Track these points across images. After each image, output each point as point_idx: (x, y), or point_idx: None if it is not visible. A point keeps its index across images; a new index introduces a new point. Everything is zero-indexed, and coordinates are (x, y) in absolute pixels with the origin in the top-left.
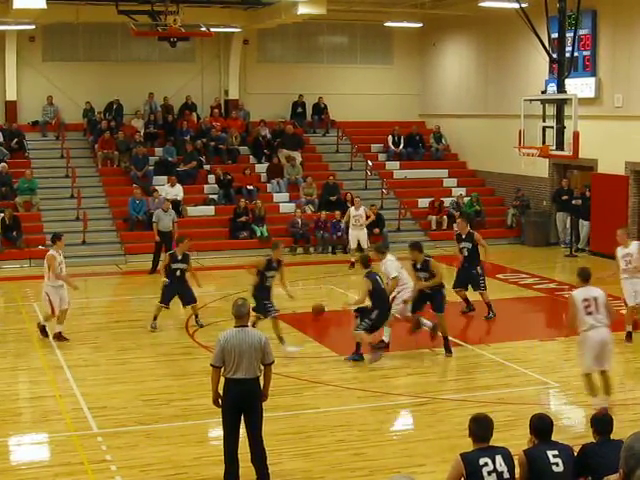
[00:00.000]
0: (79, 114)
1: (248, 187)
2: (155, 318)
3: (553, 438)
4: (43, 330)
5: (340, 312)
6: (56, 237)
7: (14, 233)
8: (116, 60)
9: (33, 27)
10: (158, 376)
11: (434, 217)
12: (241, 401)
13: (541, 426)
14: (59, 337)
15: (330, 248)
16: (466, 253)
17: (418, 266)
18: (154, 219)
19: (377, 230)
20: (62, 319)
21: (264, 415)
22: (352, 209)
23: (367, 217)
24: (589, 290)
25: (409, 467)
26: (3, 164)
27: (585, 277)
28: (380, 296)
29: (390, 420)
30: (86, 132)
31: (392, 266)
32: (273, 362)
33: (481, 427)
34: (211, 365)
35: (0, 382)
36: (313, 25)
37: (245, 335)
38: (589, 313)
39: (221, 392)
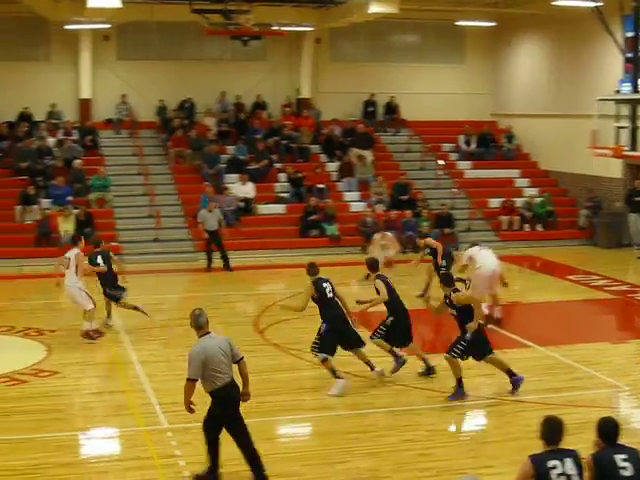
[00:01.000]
0: (152, 112)
1: (319, 186)
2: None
3: (623, 442)
4: (87, 335)
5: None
6: (79, 238)
7: (87, 229)
8: (189, 59)
9: (108, 26)
10: None
11: (505, 217)
12: (237, 403)
13: (608, 429)
14: (89, 335)
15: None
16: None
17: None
18: (199, 219)
19: (447, 230)
20: (91, 317)
21: (335, 413)
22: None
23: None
24: None
25: (476, 468)
26: (77, 161)
27: None
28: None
29: (458, 421)
30: (159, 130)
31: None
32: (243, 357)
33: (552, 429)
34: (189, 379)
35: (71, 377)
36: (385, 24)
37: (215, 341)
38: None
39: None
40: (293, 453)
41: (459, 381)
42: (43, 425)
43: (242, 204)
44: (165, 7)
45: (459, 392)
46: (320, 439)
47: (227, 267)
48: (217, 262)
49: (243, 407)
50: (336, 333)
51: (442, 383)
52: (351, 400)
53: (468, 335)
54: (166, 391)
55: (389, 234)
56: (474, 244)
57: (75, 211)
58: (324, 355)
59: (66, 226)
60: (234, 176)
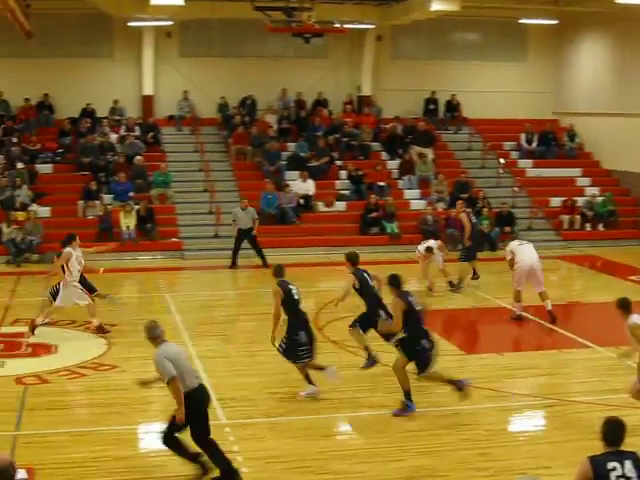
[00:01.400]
0: (214, 109)
1: (379, 183)
2: None
3: None
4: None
5: (470, 310)
6: (72, 237)
7: (148, 225)
8: (250, 56)
9: (170, 23)
10: (286, 369)
11: (566, 216)
12: (208, 404)
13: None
14: (102, 329)
15: (460, 246)
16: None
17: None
18: (233, 217)
19: (508, 228)
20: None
21: (389, 412)
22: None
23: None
24: None
25: (535, 469)
26: (139, 157)
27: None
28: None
29: (517, 421)
30: (220, 127)
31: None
32: None
33: (613, 430)
34: (172, 378)
35: (131, 371)
36: (446, 21)
37: (174, 346)
38: None
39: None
40: (349, 450)
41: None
42: (102, 418)
43: (302, 201)
44: (227, 4)
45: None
46: (377, 437)
47: (265, 264)
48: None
49: (301, 403)
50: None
51: (502, 383)
52: None
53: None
54: (225, 387)
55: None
56: (514, 238)
57: (136, 207)
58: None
59: (127, 222)
60: (294, 173)
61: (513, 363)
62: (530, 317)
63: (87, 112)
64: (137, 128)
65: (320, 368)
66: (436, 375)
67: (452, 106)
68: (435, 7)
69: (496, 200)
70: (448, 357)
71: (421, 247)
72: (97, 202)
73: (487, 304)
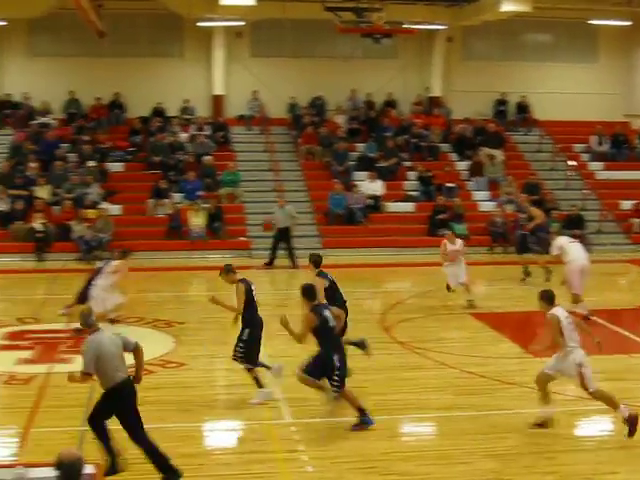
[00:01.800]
0: (283, 109)
1: (448, 184)
2: None
3: None
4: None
5: (536, 313)
6: (127, 253)
7: (217, 224)
8: (321, 56)
9: (241, 23)
10: (352, 370)
11: (637, 220)
12: (135, 399)
13: None
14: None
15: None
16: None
17: None
18: (273, 217)
19: (577, 231)
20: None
21: (458, 413)
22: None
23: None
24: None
25: (602, 474)
26: (208, 156)
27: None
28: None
29: (584, 425)
30: (290, 127)
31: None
32: (137, 343)
33: None
34: (85, 373)
35: (198, 369)
36: (517, 22)
37: (107, 337)
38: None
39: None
40: (415, 452)
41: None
42: (168, 415)
43: (371, 202)
44: (297, 5)
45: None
46: (442, 439)
47: (293, 264)
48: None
49: (368, 403)
50: (257, 340)
51: (569, 387)
52: (475, 401)
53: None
54: (291, 386)
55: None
56: (562, 234)
57: (205, 206)
58: (249, 365)
59: (196, 220)
60: (363, 173)
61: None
62: (599, 321)
63: (158, 111)
64: (207, 127)
65: (266, 367)
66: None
67: (522, 107)
68: (506, 8)
69: (565, 202)
70: (515, 360)
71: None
72: (167, 201)
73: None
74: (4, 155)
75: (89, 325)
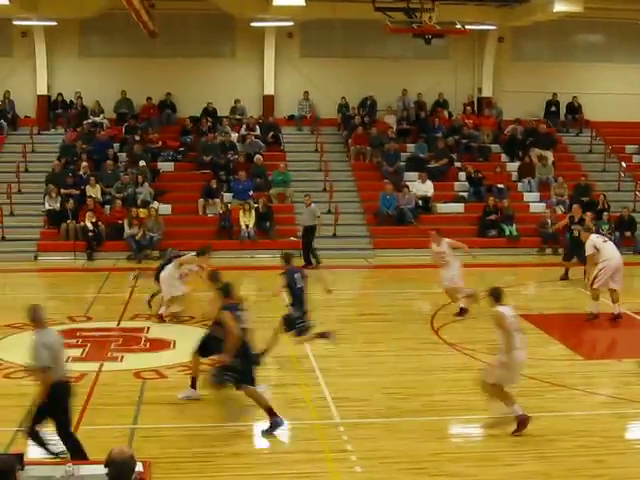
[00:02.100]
0: (333, 109)
1: (498, 185)
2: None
3: None
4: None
5: (584, 315)
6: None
7: (267, 224)
8: (371, 56)
9: (291, 23)
10: (401, 370)
11: None
12: (70, 398)
13: None
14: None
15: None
16: (577, 234)
17: None
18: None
19: (629, 233)
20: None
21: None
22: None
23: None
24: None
25: None
26: (258, 156)
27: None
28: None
29: (634, 428)
30: (340, 127)
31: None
32: None
33: None
34: (45, 368)
35: None
36: (568, 23)
37: (55, 334)
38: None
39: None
40: (462, 453)
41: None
42: (217, 414)
43: (421, 202)
44: (348, 5)
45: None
46: (490, 440)
47: (308, 263)
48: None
49: (416, 404)
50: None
51: (620, 389)
52: (523, 403)
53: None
54: (339, 385)
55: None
56: (594, 232)
57: (255, 205)
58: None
59: (246, 220)
60: (413, 174)
61: (632, 370)
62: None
63: (208, 111)
64: (257, 127)
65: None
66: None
67: (573, 108)
68: (558, 8)
69: (617, 204)
70: (565, 362)
71: None
72: (217, 200)
73: (607, 310)
74: (56, 154)
75: (38, 320)
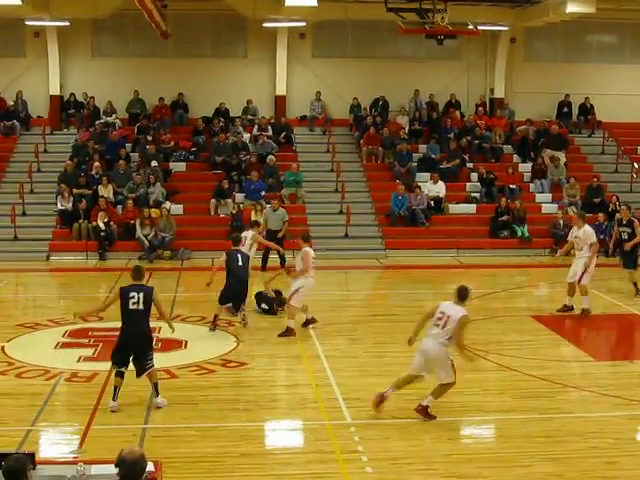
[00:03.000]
0: (346, 110)
1: (511, 186)
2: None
3: None
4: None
5: (600, 316)
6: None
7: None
8: (383, 57)
9: (304, 24)
10: None
11: None
12: None
13: None
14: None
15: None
16: (626, 237)
17: None
18: (263, 217)
19: None
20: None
21: (519, 416)
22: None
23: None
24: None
25: None
26: (271, 157)
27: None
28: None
29: None
30: (352, 127)
31: None
32: None
33: None
34: None
35: (260, 369)
36: (581, 24)
37: None
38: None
39: None
40: (475, 454)
41: None
42: (229, 415)
43: (433, 203)
44: (360, 5)
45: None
46: (503, 442)
47: (264, 267)
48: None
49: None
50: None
51: (632, 391)
52: (536, 404)
53: None
54: (351, 386)
55: None
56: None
57: (267, 206)
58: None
59: (259, 220)
60: (425, 175)
61: None
62: None
63: (220, 111)
64: (270, 128)
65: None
66: None
67: (585, 109)
68: (570, 9)
69: (630, 205)
70: (576, 363)
71: None
72: (229, 200)
73: (618, 310)
74: (68, 154)
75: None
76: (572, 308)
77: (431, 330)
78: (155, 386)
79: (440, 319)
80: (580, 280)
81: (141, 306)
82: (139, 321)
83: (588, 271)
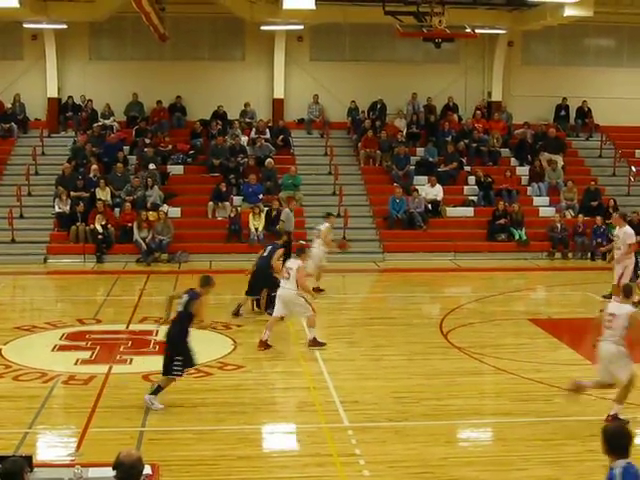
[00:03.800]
0: (343, 113)
1: (508, 189)
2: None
3: None
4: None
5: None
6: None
7: (277, 227)
8: (381, 60)
9: (301, 27)
10: (410, 374)
11: None
12: None
13: None
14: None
15: (589, 254)
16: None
17: None
18: (282, 217)
19: (638, 237)
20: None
21: (516, 420)
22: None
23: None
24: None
25: None
26: (269, 160)
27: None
28: None
29: None
30: (350, 131)
31: None
32: None
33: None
34: None
35: (257, 372)
36: (578, 27)
37: None
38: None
39: None
40: (471, 458)
41: None
42: (227, 418)
43: (430, 206)
44: (358, 9)
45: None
46: (499, 445)
47: None
48: None
49: (425, 408)
50: None
51: (631, 394)
52: (533, 407)
53: None
54: (348, 389)
55: None
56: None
57: (266, 209)
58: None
59: (256, 223)
60: (423, 178)
61: None
62: None
63: (218, 114)
64: (267, 131)
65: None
66: None
67: (583, 112)
68: (568, 13)
69: (627, 209)
70: (573, 367)
71: None
72: (227, 203)
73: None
74: (66, 157)
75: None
76: None
77: (604, 334)
78: (158, 387)
79: (609, 321)
80: (620, 280)
81: (181, 308)
82: (175, 322)
83: (626, 272)
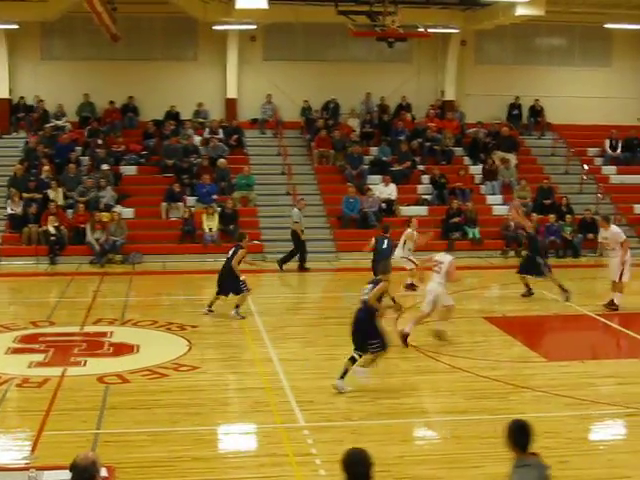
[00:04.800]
0: (297, 112)
1: (462, 188)
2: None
3: None
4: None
5: (551, 317)
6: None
7: (232, 227)
8: (334, 60)
9: (254, 27)
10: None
11: None
12: None
13: None
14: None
15: (543, 252)
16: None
17: None
18: (295, 219)
19: (591, 235)
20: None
21: (471, 417)
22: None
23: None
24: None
25: (615, 478)
26: (222, 160)
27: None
28: None
29: (597, 429)
30: (303, 130)
31: None
32: None
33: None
34: None
35: (211, 372)
36: (531, 26)
37: None
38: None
39: None
40: (427, 456)
41: None
42: (181, 419)
43: (384, 205)
44: (310, 8)
45: None
46: (455, 443)
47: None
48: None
49: (381, 407)
50: None
51: (583, 390)
52: (488, 405)
53: None
54: (304, 389)
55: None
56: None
57: (219, 209)
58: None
59: (210, 224)
60: (377, 177)
61: (595, 371)
62: (613, 325)
63: (171, 114)
64: (220, 131)
65: None
66: None
67: (535, 111)
68: (520, 12)
69: (579, 206)
70: (528, 364)
71: None
72: (180, 204)
73: (569, 311)
74: (18, 158)
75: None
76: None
77: None
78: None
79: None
80: (621, 278)
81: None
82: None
83: (625, 268)
